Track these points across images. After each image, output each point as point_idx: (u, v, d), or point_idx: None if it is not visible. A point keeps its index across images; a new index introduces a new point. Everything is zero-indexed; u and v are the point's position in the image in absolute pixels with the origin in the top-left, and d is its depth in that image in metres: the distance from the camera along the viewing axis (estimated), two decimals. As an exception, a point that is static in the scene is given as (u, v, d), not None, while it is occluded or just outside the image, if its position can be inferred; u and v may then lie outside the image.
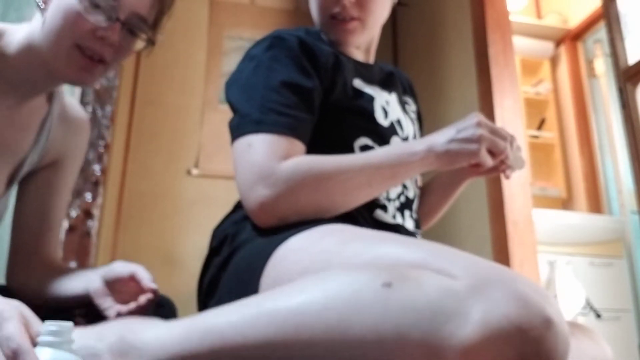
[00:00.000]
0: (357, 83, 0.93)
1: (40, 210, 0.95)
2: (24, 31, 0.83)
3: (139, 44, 0.85)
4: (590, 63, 3.16)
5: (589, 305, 2.42)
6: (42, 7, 0.80)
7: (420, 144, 0.81)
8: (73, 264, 1.75)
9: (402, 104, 1.02)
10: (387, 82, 1.01)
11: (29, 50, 0.81)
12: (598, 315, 2.42)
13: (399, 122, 0.95)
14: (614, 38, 1.91)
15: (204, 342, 0.58)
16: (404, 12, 2.86)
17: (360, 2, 0.93)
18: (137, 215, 2.51)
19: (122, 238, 2.44)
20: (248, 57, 0.91)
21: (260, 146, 0.78)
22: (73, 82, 0.84)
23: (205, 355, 0.58)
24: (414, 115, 1.05)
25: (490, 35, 2.09)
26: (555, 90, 3.20)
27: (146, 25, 0.84)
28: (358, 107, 0.90)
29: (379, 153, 0.81)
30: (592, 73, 3.14)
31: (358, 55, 1.01)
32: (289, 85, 0.83)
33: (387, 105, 0.94)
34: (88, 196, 1.86)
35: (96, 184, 1.90)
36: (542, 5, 3.42)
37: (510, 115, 1.99)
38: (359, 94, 0.92)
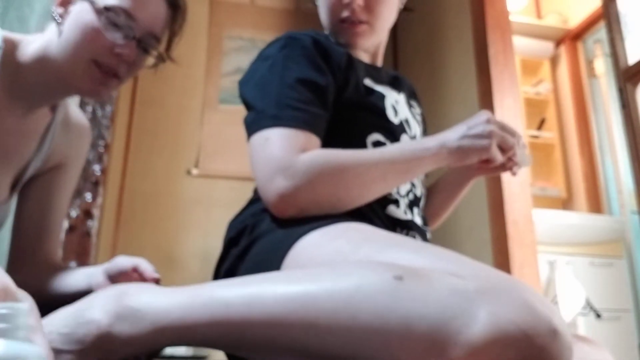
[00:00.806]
0: (368, 82, 0.95)
1: (41, 212, 0.97)
2: (38, 42, 0.85)
3: (150, 60, 0.89)
4: (590, 63, 3.16)
5: (589, 305, 2.42)
6: (59, 20, 0.83)
7: (433, 140, 0.83)
8: (73, 264, 1.75)
9: (409, 105, 1.04)
10: (395, 84, 1.03)
11: (43, 62, 0.84)
12: (598, 315, 2.42)
13: (407, 121, 0.98)
14: (614, 38, 1.92)
15: (207, 311, 0.58)
16: (404, 12, 2.85)
17: (369, 7, 0.96)
18: (137, 215, 2.51)
19: (122, 238, 2.44)
20: (262, 57, 0.92)
21: (278, 140, 0.79)
22: (87, 95, 0.87)
23: (206, 324, 0.58)
24: (419, 118, 1.07)
25: (490, 35, 2.09)
26: (555, 90, 3.20)
27: (158, 43, 0.88)
28: (370, 104, 0.92)
29: (394, 148, 0.83)
30: (592, 73, 3.14)
31: (365, 58, 1.03)
32: (304, 82, 0.85)
33: (396, 104, 0.97)
34: (88, 196, 1.86)
35: (96, 184, 1.90)
36: (542, 5, 3.42)
37: (510, 115, 1.99)
38: (371, 91, 0.94)
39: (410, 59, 2.82)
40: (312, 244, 0.71)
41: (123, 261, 0.85)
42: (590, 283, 2.47)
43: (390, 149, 0.83)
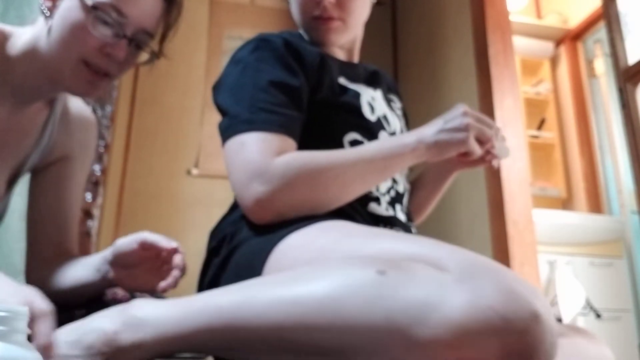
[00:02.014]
0: (342, 81, 0.94)
1: (53, 205, 0.95)
2: (28, 35, 0.82)
3: (143, 56, 0.85)
4: (590, 63, 3.16)
5: (589, 305, 2.42)
6: (47, 14, 0.79)
7: (410, 136, 0.82)
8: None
9: (388, 100, 1.03)
10: (371, 80, 1.02)
11: (32, 56, 0.81)
12: (598, 315, 2.42)
13: (385, 117, 0.97)
14: (614, 38, 1.91)
15: (202, 317, 0.60)
16: (404, 12, 2.85)
17: (341, 3, 0.94)
18: (137, 215, 2.51)
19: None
20: (234, 60, 0.91)
21: (253, 144, 0.79)
22: (77, 94, 0.84)
23: (202, 330, 0.59)
24: (399, 112, 1.06)
25: (490, 35, 2.09)
26: (555, 90, 3.20)
27: (151, 39, 0.84)
28: (345, 103, 0.91)
29: (371, 147, 0.83)
30: (592, 73, 3.14)
31: (341, 55, 1.02)
32: (277, 85, 0.84)
33: (373, 101, 0.96)
34: (88, 196, 1.86)
35: (96, 184, 1.90)
36: (542, 5, 3.42)
37: (510, 115, 1.99)
38: (345, 90, 0.93)
39: (410, 59, 2.82)
40: (294, 246, 0.71)
41: (124, 243, 0.79)
42: (590, 283, 2.47)
43: (368, 148, 0.82)
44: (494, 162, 0.91)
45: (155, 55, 0.86)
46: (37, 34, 0.81)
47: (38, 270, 0.93)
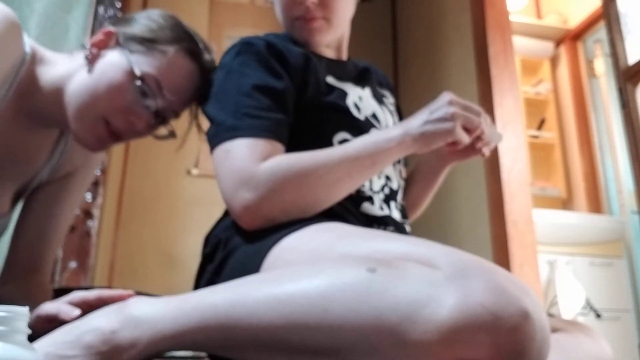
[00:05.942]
0: (330, 80, 0.94)
1: (42, 222, 0.94)
2: (61, 69, 0.81)
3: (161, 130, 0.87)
4: (590, 63, 3.16)
5: (589, 305, 2.42)
6: (88, 57, 0.79)
7: (396, 130, 0.81)
8: (73, 264, 1.75)
9: (379, 97, 1.02)
10: (360, 78, 1.01)
11: (58, 94, 0.80)
12: (598, 315, 2.42)
13: (374, 115, 0.96)
14: (614, 38, 1.91)
15: (196, 314, 0.60)
16: (404, 11, 2.85)
17: (324, 2, 0.94)
18: (137, 215, 2.51)
19: (122, 238, 2.44)
20: (219, 66, 0.91)
21: (238, 151, 0.79)
22: (82, 144, 0.84)
23: (196, 327, 0.59)
24: (392, 108, 1.05)
25: (490, 35, 2.09)
26: (555, 90, 3.21)
27: (176, 118, 0.85)
28: (332, 103, 0.91)
29: (356, 143, 0.81)
30: (592, 73, 3.14)
31: (329, 53, 1.02)
32: (260, 89, 0.84)
33: (359, 101, 0.95)
34: (88, 196, 1.86)
35: (96, 184, 1.90)
36: (542, 5, 3.42)
37: (510, 115, 1.99)
38: (332, 90, 0.93)
39: (410, 59, 2.82)
40: (288, 249, 0.71)
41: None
42: (590, 283, 2.47)
43: (354, 145, 0.81)
44: (485, 150, 0.90)
45: (173, 135, 0.87)
46: (71, 72, 0.81)
47: (9, 282, 0.90)
